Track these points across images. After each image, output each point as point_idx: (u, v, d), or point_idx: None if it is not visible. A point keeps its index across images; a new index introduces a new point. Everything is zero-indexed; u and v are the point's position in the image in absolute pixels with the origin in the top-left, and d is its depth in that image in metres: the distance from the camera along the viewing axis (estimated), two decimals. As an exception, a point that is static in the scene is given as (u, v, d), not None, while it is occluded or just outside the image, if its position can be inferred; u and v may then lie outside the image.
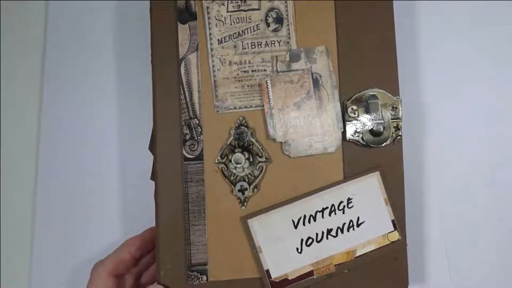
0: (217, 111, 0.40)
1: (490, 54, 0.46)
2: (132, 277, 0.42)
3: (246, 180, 0.40)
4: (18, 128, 0.46)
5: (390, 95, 0.40)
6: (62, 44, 0.45)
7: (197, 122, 0.40)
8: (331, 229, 0.40)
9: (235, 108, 0.40)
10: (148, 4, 0.40)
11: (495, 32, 0.46)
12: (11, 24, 0.45)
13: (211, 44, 0.40)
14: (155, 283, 0.39)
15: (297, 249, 0.39)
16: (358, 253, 0.40)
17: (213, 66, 0.40)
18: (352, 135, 0.40)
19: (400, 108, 0.40)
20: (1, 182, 0.46)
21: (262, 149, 0.40)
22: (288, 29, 0.40)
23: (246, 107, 0.40)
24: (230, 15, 0.40)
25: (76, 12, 0.45)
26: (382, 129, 0.40)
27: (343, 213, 0.40)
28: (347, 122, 0.40)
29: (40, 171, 0.45)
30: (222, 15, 0.40)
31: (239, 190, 0.40)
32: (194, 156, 0.40)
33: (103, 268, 0.40)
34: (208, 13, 0.40)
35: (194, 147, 0.40)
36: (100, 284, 0.39)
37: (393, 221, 0.40)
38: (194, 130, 0.40)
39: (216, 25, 0.40)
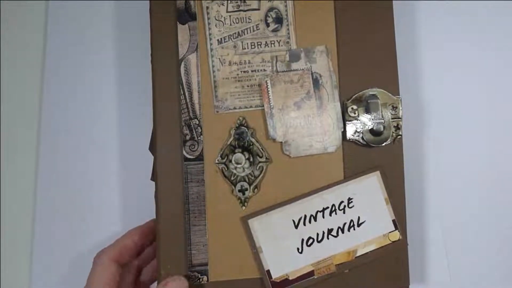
0: (217, 111, 0.40)
1: (489, 53, 0.46)
2: (133, 271, 0.42)
3: (247, 180, 0.40)
4: (18, 127, 0.46)
5: (390, 94, 0.40)
6: (62, 44, 0.45)
7: (197, 122, 0.40)
8: (332, 229, 0.40)
9: (235, 108, 0.40)
10: (148, 4, 0.40)
11: (494, 32, 0.46)
12: (11, 24, 0.45)
13: (210, 44, 0.40)
14: (176, 275, 0.39)
15: (298, 249, 0.39)
16: (359, 253, 0.40)
17: (213, 66, 0.40)
18: (352, 135, 0.40)
19: (400, 108, 0.40)
20: (1, 182, 0.45)
21: (262, 149, 0.40)
22: (288, 29, 0.40)
23: (246, 107, 0.40)
24: (230, 15, 0.40)
25: (76, 12, 0.45)
26: (382, 129, 0.40)
27: (344, 213, 0.40)
28: (347, 122, 0.40)
29: (40, 172, 0.45)
30: (221, 15, 0.40)
31: (239, 190, 0.40)
32: (194, 157, 0.40)
33: (106, 255, 0.40)
34: (207, 13, 0.40)
35: (194, 148, 0.40)
36: (103, 270, 0.39)
37: (393, 221, 0.40)
38: (194, 131, 0.40)
39: (215, 25, 0.40)
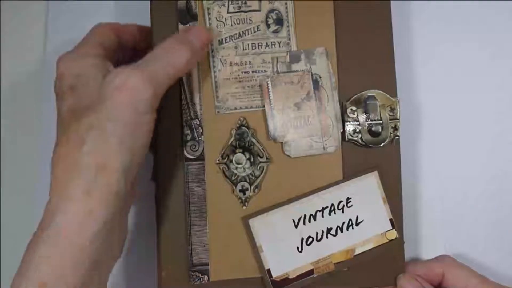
0: (218, 112, 0.40)
1: (487, 54, 0.46)
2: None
3: (247, 180, 0.40)
4: (19, 128, 0.45)
5: (388, 96, 0.41)
6: (62, 44, 0.44)
7: (198, 122, 0.40)
8: (331, 228, 0.40)
9: (235, 108, 0.40)
10: (148, 5, 0.40)
11: (492, 32, 0.47)
12: (11, 24, 0.45)
13: (211, 44, 0.40)
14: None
15: (298, 248, 0.40)
16: (357, 252, 0.40)
17: (214, 66, 0.40)
18: (351, 135, 0.40)
19: (398, 109, 0.41)
20: (1, 182, 0.45)
21: (263, 149, 0.40)
22: (288, 31, 0.40)
23: (246, 107, 0.40)
24: (231, 16, 0.40)
25: (76, 12, 0.45)
26: (380, 130, 0.41)
27: (343, 212, 0.40)
28: (346, 123, 0.40)
29: (40, 173, 0.45)
30: (222, 16, 0.40)
31: (240, 190, 0.40)
32: (195, 157, 0.40)
33: (105, 24, 0.38)
34: (208, 14, 0.40)
35: (195, 148, 0.40)
36: (101, 33, 0.37)
37: (390, 220, 0.41)
38: (195, 131, 0.40)
39: (217, 26, 0.40)
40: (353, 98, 0.41)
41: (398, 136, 0.41)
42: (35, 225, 0.44)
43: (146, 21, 0.40)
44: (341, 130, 0.40)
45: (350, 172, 0.41)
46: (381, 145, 0.41)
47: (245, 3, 0.40)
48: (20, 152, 0.45)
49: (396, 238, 0.41)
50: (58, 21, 0.45)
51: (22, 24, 0.45)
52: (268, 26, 0.40)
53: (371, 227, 0.41)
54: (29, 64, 0.45)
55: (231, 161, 0.40)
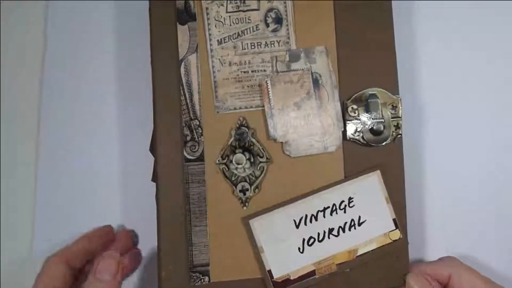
0: (218, 112, 0.40)
1: (489, 54, 0.46)
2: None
3: (247, 180, 0.40)
4: (18, 128, 0.45)
5: (390, 94, 0.40)
6: (62, 44, 0.45)
7: (198, 123, 0.40)
8: (333, 229, 0.40)
9: (235, 108, 0.40)
10: (147, 4, 0.40)
11: (494, 32, 0.46)
12: (11, 24, 0.45)
13: (210, 44, 0.40)
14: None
15: (299, 249, 0.39)
16: (360, 252, 0.40)
17: (213, 66, 0.40)
18: (352, 134, 0.40)
19: (400, 107, 0.40)
20: (1, 182, 0.45)
21: (263, 149, 0.40)
22: (287, 29, 0.40)
23: (246, 107, 0.40)
24: (230, 16, 0.40)
25: (76, 12, 0.45)
26: (382, 128, 0.40)
27: (345, 212, 0.40)
28: (348, 122, 0.40)
29: (40, 173, 0.45)
30: (221, 16, 0.40)
31: (240, 191, 0.40)
32: (195, 157, 0.40)
33: (54, 257, 0.39)
34: (207, 13, 0.40)
35: (195, 148, 0.40)
36: (51, 270, 0.38)
37: (394, 220, 0.40)
38: (194, 131, 0.40)
39: (215, 25, 0.40)
40: (354, 96, 0.40)
41: (401, 134, 0.40)
42: (35, 225, 0.45)
43: (145, 21, 0.40)
44: (342, 129, 0.40)
45: (352, 172, 0.40)
46: (383, 144, 0.40)
47: (244, 2, 0.40)
48: (19, 152, 0.45)
49: (399, 238, 0.40)
50: (58, 21, 0.45)
51: (22, 24, 0.45)
52: (267, 25, 0.40)
53: (374, 227, 0.40)
54: (29, 63, 0.45)
55: (231, 162, 0.40)
